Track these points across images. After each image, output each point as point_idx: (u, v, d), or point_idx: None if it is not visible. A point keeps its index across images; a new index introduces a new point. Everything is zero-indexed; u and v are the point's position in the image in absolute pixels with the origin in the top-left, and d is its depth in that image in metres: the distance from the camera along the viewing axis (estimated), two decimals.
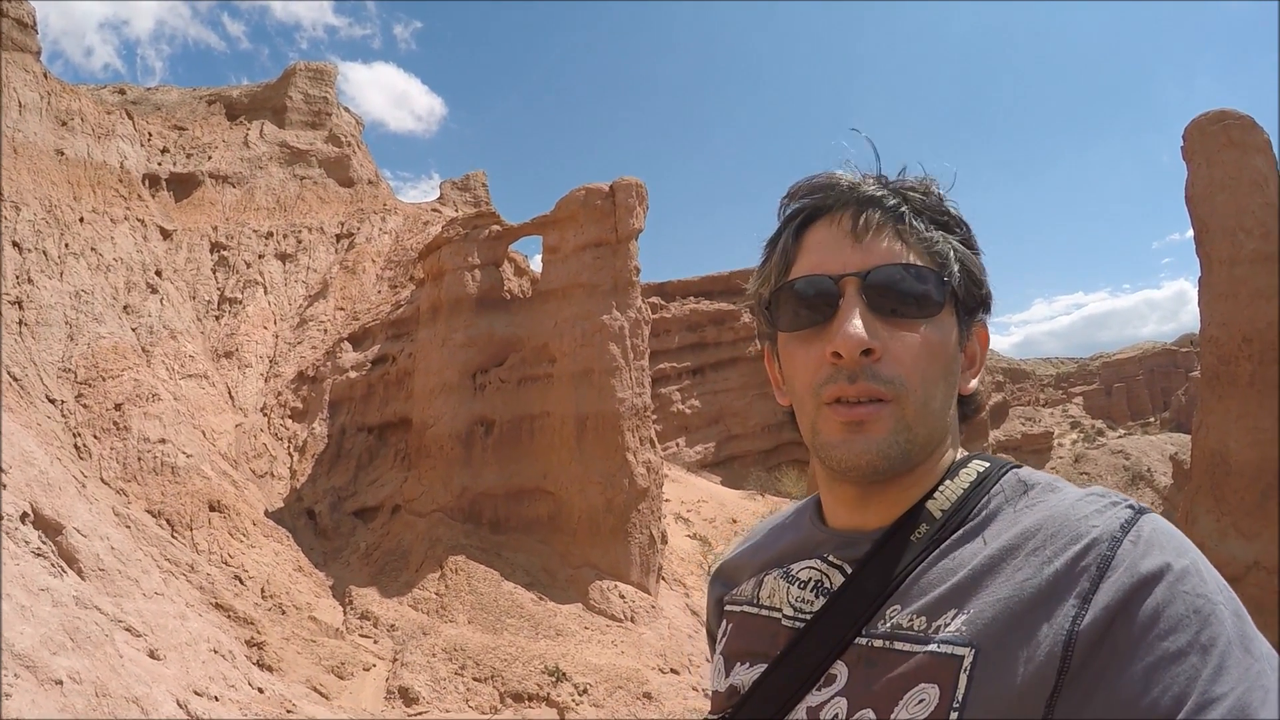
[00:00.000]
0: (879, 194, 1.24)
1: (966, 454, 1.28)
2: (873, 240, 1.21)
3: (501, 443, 28.44)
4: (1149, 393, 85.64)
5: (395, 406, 31.03)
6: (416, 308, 32.10)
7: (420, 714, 17.44)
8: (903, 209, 1.23)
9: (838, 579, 1.23)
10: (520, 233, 31.36)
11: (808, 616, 1.23)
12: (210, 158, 41.70)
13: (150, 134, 41.03)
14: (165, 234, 32.80)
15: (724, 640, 1.39)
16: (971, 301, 1.26)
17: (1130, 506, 1.08)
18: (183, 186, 40.01)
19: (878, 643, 1.12)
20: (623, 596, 25.80)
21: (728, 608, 1.43)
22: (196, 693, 10.75)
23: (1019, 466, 1.24)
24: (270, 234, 38.69)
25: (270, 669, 14.79)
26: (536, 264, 37.54)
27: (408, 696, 17.91)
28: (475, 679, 19.62)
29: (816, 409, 1.20)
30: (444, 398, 28.62)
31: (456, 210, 46.57)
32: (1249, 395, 24.29)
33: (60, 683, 7.35)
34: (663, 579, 28.44)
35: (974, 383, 1.29)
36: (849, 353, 1.15)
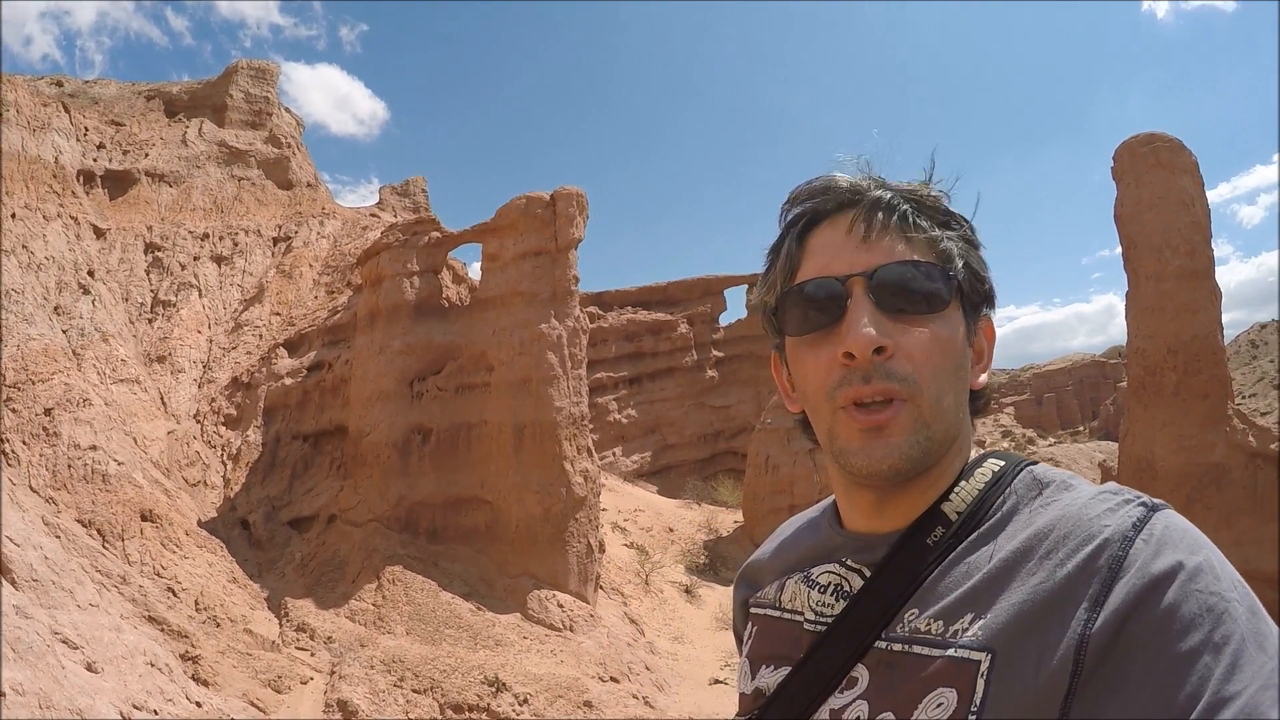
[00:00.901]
0: (881, 194, 1.26)
1: (982, 452, 1.29)
2: (877, 240, 1.22)
3: (439, 451, 28.19)
4: (1078, 402, 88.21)
5: (331, 414, 30.52)
6: (354, 314, 31.64)
7: None
8: (905, 208, 1.25)
9: (857, 583, 1.25)
10: (460, 240, 31.18)
11: (828, 620, 1.24)
12: (147, 155, 40.60)
13: (87, 128, 39.81)
14: (99, 233, 31.74)
15: (750, 643, 1.42)
16: (976, 297, 1.28)
17: (1143, 504, 1.08)
18: (118, 184, 38.99)
19: (897, 646, 1.14)
20: (561, 606, 25.74)
21: (753, 610, 1.45)
22: (136, 706, 10.50)
23: (1034, 464, 1.25)
24: (206, 235, 37.72)
25: (206, 683, 14.44)
26: (474, 272, 37.35)
27: (347, 709, 17.62)
28: (415, 690, 19.40)
29: (833, 414, 1.20)
30: (381, 406, 28.27)
31: (395, 216, 46.03)
32: (1174, 404, 25.37)
33: (3, 694, 7.13)
34: (600, 588, 28.43)
35: (983, 377, 1.30)
36: (861, 352, 1.15)
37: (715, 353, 56.42)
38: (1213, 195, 26.77)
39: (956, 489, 1.22)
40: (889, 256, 1.21)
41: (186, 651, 14.88)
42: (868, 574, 1.24)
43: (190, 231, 37.08)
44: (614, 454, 48.60)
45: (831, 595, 1.27)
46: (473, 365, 29.33)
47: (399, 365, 28.85)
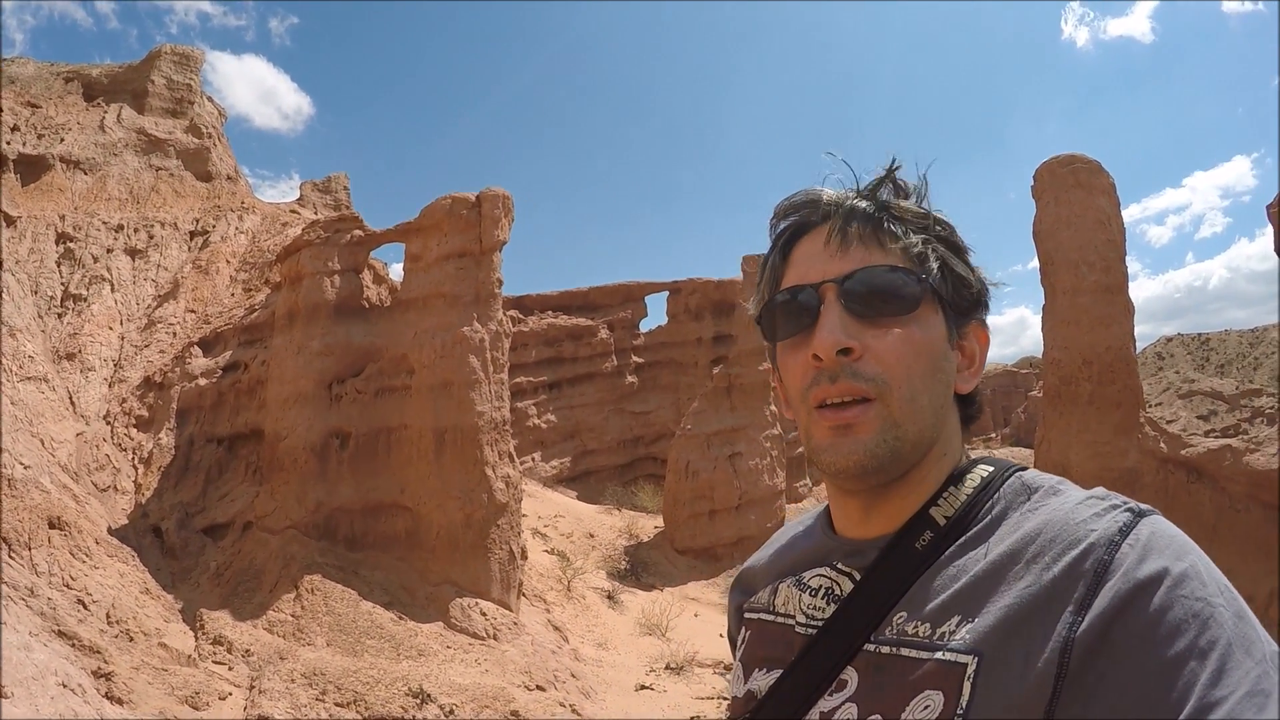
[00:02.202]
0: (858, 204, 1.30)
1: (971, 458, 1.32)
2: (851, 248, 1.27)
3: (358, 456, 27.55)
4: (991, 410, 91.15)
5: (247, 416, 29.49)
6: (272, 313, 30.65)
7: None
8: (880, 215, 1.29)
9: (847, 586, 1.28)
10: (383, 239, 30.54)
11: (819, 623, 1.28)
12: (63, 140, 38.57)
13: (1, 108, 37.51)
14: (9, 220, 29.97)
15: (743, 647, 1.45)
16: (962, 301, 1.31)
17: (1130, 510, 1.10)
18: (31, 169, 36.94)
19: (885, 649, 1.16)
20: (484, 614, 25.39)
21: (747, 615, 1.48)
22: None
23: (1024, 469, 1.28)
24: (121, 227, 35.88)
25: (121, 701, 13.70)
26: (395, 272, 36.60)
27: None
28: (337, 704, 18.81)
29: (808, 414, 1.26)
30: (298, 408, 27.48)
31: (316, 213, 44.81)
32: (1088, 412, 26.67)
33: None
34: (523, 595, 28.17)
35: (973, 383, 1.34)
36: (825, 353, 1.22)
37: (635, 359, 56.56)
38: (1124, 215, 28.25)
39: (945, 494, 1.25)
40: (861, 262, 1.26)
41: (99, 668, 14.10)
42: (858, 577, 1.27)
43: (104, 222, 35.29)
44: (533, 459, 48.27)
45: (822, 599, 1.31)
46: (393, 368, 28.78)
47: (317, 367, 28.10)
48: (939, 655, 1.08)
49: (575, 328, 54.35)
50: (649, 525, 42.83)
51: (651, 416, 54.82)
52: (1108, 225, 27.36)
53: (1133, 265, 28.07)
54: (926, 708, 1.06)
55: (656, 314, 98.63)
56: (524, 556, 28.58)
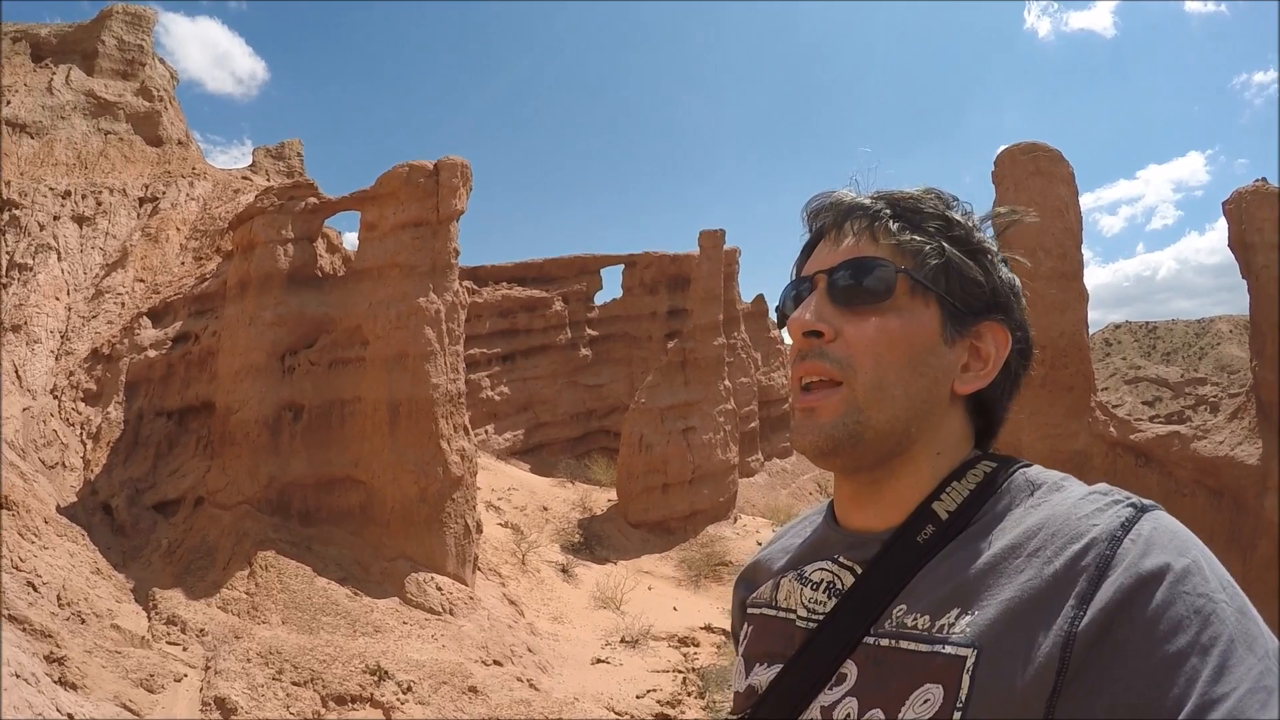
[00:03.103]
0: (860, 201, 1.35)
1: (977, 453, 1.32)
2: (846, 242, 1.33)
3: (311, 429, 27.20)
4: None
5: (197, 389, 28.88)
6: (223, 282, 29.96)
7: None
8: (879, 209, 1.33)
9: (848, 580, 1.29)
10: (338, 207, 29.97)
11: (820, 617, 1.29)
12: (9, 102, 37.26)
13: None
14: None
15: (745, 642, 1.46)
16: (970, 299, 1.30)
17: (1132, 505, 1.10)
18: None
19: (884, 642, 1.17)
20: (440, 589, 25.36)
21: (749, 610, 1.50)
22: None
23: (1028, 466, 1.28)
24: (68, 193, 34.60)
25: (75, 687, 13.46)
26: (349, 242, 35.96)
27: (225, 707, 16.79)
28: (294, 683, 18.70)
29: (794, 394, 1.32)
30: (250, 380, 27.01)
31: (269, 179, 43.83)
32: (1040, 395, 27.30)
33: None
34: (478, 569, 28.14)
35: (977, 384, 1.30)
36: (794, 334, 1.30)
37: (590, 331, 56.47)
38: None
39: (948, 489, 1.25)
40: (850, 254, 1.31)
41: (51, 653, 13.81)
42: (859, 571, 1.28)
43: (51, 188, 34.01)
44: (486, 431, 48.09)
45: (823, 592, 1.31)
46: (347, 339, 28.37)
47: (270, 338, 27.60)
48: (939, 648, 1.09)
49: (529, 299, 54.04)
50: (602, 498, 42.99)
51: (605, 390, 54.85)
52: (1065, 214, 27.88)
53: (1084, 253, 28.73)
54: (926, 701, 1.07)
55: (611, 287, 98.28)
56: (479, 530, 28.51)
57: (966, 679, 1.04)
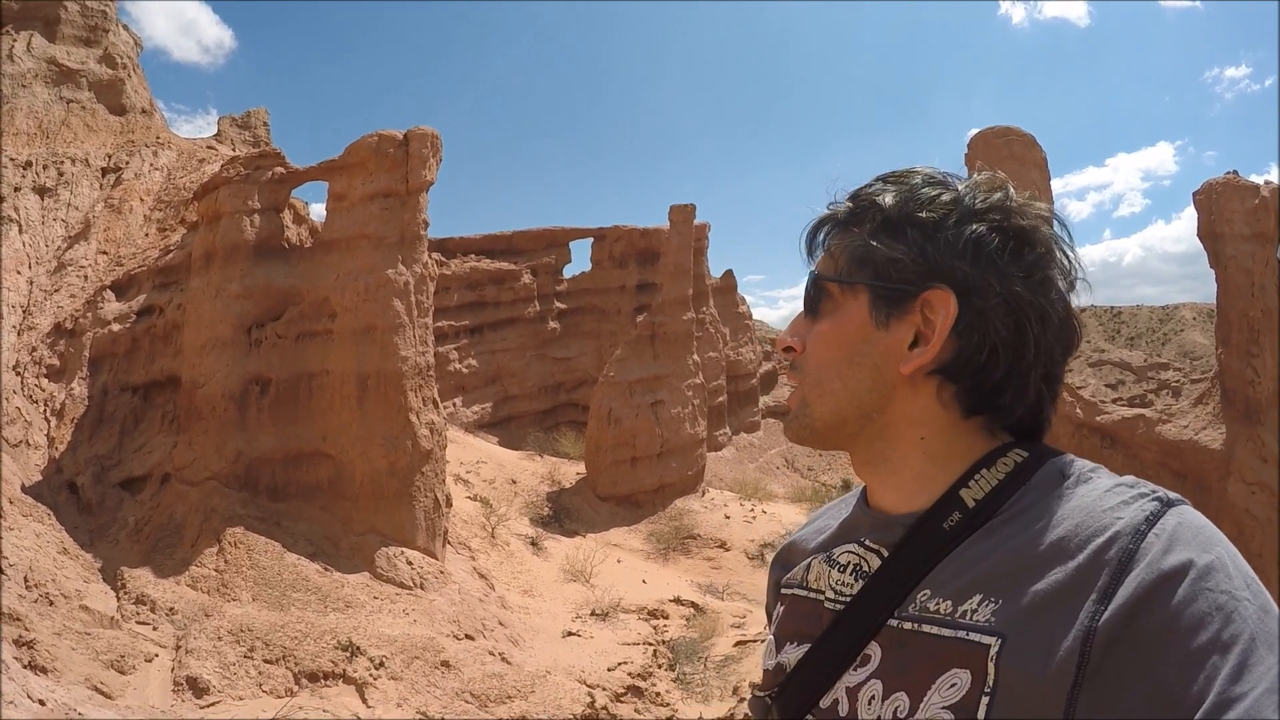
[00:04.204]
0: (812, 226, 1.43)
1: (1008, 441, 1.30)
2: (813, 256, 1.44)
3: (279, 403, 26.98)
4: None
5: (163, 363, 28.43)
6: (188, 254, 29.45)
7: (213, 704, 16.34)
8: (821, 228, 1.42)
9: (875, 563, 1.31)
10: (306, 177, 29.54)
11: (846, 599, 1.31)
12: None
13: None
14: None
15: (777, 621, 1.50)
16: (904, 276, 1.28)
17: (1158, 499, 1.09)
18: None
19: (908, 625, 1.19)
20: (410, 563, 25.37)
21: (783, 591, 1.53)
22: None
23: (1060, 455, 1.26)
24: (29, 164, 33.65)
25: (45, 670, 13.32)
26: (316, 212, 35.43)
27: (197, 687, 16.73)
28: (266, 661, 18.66)
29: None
30: (216, 354, 26.69)
31: (235, 149, 42.89)
32: None
33: None
34: (448, 543, 28.15)
35: (919, 360, 1.26)
36: (778, 350, 1.43)
37: (558, 304, 56.33)
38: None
39: (976, 476, 1.25)
40: (808, 276, 1.42)
41: (20, 636, 13.64)
42: (885, 554, 1.30)
43: (11, 159, 33.01)
44: (454, 404, 47.93)
45: (850, 575, 1.34)
46: (314, 311, 28.10)
47: (236, 310, 27.27)
48: (961, 634, 1.10)
49: (498, 272, 53.72)
50: (571, 472, 43.08)
51: (574, 363, 54.80)
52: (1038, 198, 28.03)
53: None
54: (953, 686, 1.08)
55: (581, 260, 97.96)
56: (449, 504, 28.51)
57: (992, 666, 1.04)
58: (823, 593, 1.37)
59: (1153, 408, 25.53)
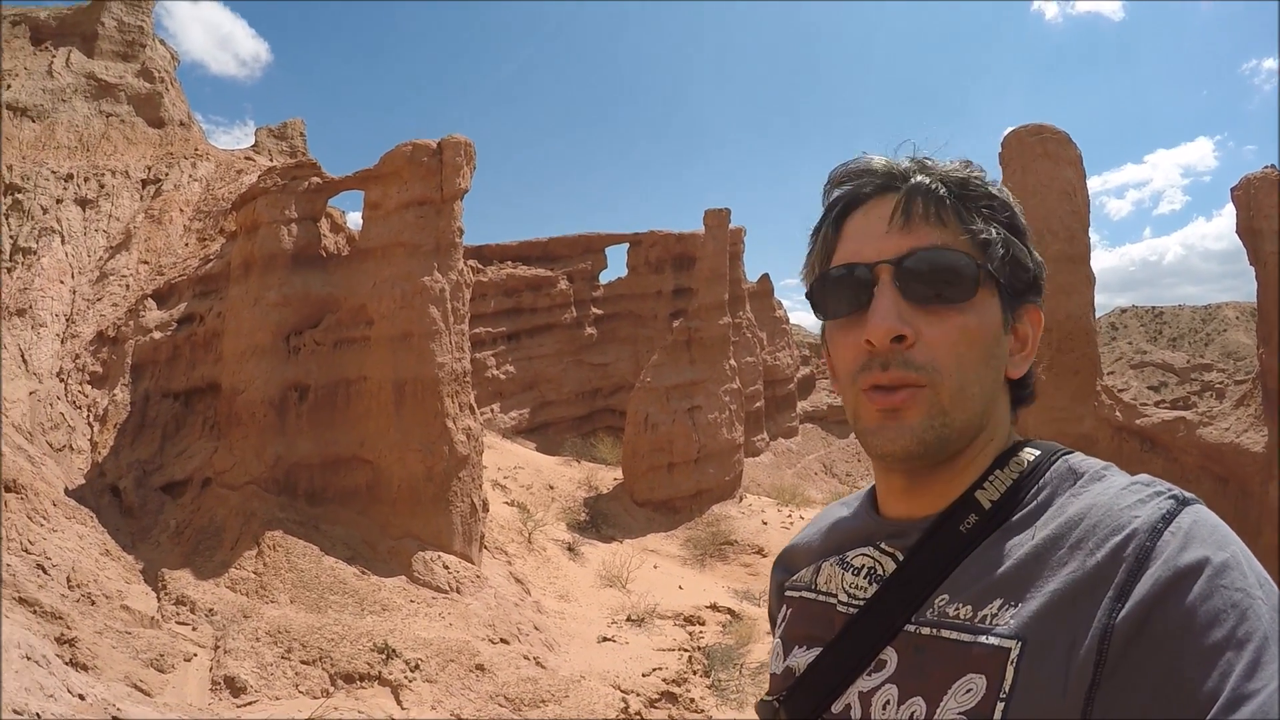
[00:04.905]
0: (921, 180, 1.27)
1: (1018, 439, 1.32)
2: (910, 227, 1.24)
3: (317, 409, 27.26)
4: None
5: (203, 370, 28.92)
6: (227, 263, 29.96)
7: (250, 703, 16.56)
8: (942, 193, 1.26)
9: (890, 566, 1.28)
10: (342, 186, 29.89)
11: (861, 603, 1.28)
12: (9, 86, 36.95)
13: None
14: None
15: (783, 624, 1.46)
16: (1019, 285, 1.28)
17: (1173, 497, 1.10)
18: None
19: (925, 630, 1.17)
20: (446, 567, 25.48)
21: (788, 593, 1.49)
22: (16, 711, 9.75)
23: (1070, 453, 1.27)
24: (71, 176, 34.45)
25: (85, 668, 13.57)
26: (353, 221, 35.87)
27: (234, 686, 16.96)
28: (303, 661, 18.85)
29: (855, 396, 1.26)
30: (256, 361, 27.04)
31: (272, 159, 43.59)
32: (1046, 378, 27.24)
33: None
34: (485, 548, 28.27)
35: (1025, 367, 1.32)
36: (879, 340, 1.20)
37: (595, 310, 56.46)
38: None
39: (990, 477, 1.24)
40: (918, 244, 1.23)
41: (62, 634, 13.92)
42: (900, 558, 1.27)
43: (53, 171, 33.88)
44: (492, 410, 48.20)
45: (864, 578, 1.31)
46: (352, 319, 28.38)
47: (275, 318, 27.61)
48: (981, 639, 1.09)
49: (534, 278, 53.99)
50: (608, 477, 43.10)
51: (610, 368, 54.89)
52: (1073, 197, 27.63)
53: (1091, 237, 28.41)
54: (969, 691, 1.07)
55: (616, 266, 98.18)
56: (485, 509, 28.63)
57: (1010, 670, 1.04)
58: (835, 596, 1.35)
59: (1194, 410, 24.90)
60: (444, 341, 28.10)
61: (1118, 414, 25.66)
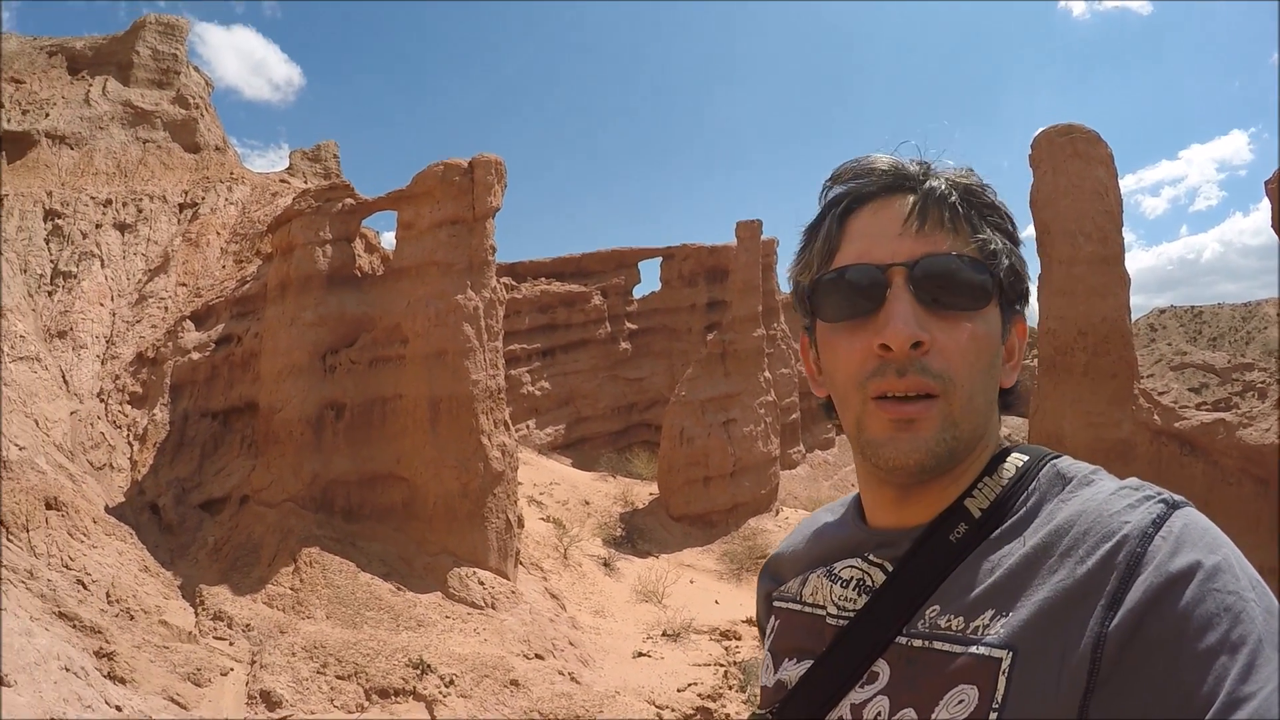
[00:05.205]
0: (934, 184, 1.25)
1: (1005, 445, 1.30)
2: (922, 230, 1.22)
3: (353, 427, 27.51)
4: None
5: (241, 390, 29.37)
6: (263, 284, 30.44)
7: (285, 717, 16.70)
8: (953, 199, 1.24)
9: (879, 578, 1.26)
10: (375, 207, 30.26)
11: (851, 615, 1.26)
12: (48, 115, 38.01)
13: None
14: None
15: (772, 636, 1.44)
16: (1014, 295, 1.28)
17: (1163, 500, 1.08)
18: (16, 146, 36.45)
19: (917, 642, 1.15)
20: (482, 583, 25.53)
21: (775, 604, 1.47)
22: None
23: (1058, 457, 1.25)
24: (109, 201, 35.39)
25: (124, 681, 13.78)
26: (387, 241, 36.32)
27: (270, 700, 17.12)
28: (338, 677, 18.98)
29: (862, 404, 1.21)
30: (292, 380, 27.37)
31: (306, 181, 44.34)
32: (1083, 383, 26.61)
33: None
34: (520, 563, 28.30)
35: (1014, 376, 1.30)
36: (899, 345, 1.16)
37: (629, 325, 56.51)
38: (1119, 186, 27.99)
39: (980, 485, 1.22)
40: (933, 248, 1.20)
41: (101, 648, 14.16)
42: (890, 569, 1.25)
43: (92, 197, 34.81)
44: (528, 427, 48.34)
45: (854, 590, 1.29)
46: (387, 337, 28.66)
47: (311, 338, 27.95)
48: (973, 649, 1.07)
49: (568, 294, 54.20)
50: (644, 492, 43.01)
51: (645, 383, 54.88)
52: (1105, 196, 27.13)
53: (1127, 236, 27.85)
54: (960, 702, 1.05)
55: (650, 280, 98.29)
56: (520, 525, 28.69)
57: (1002, 680, 1.03)
58: (823, 608, 1.33)
59: (1234, 411, 24.25)
60: (478, 359, 28.23)
61: (1156, 417, 25.09)
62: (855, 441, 1.25)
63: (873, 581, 1.27)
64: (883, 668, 1.18)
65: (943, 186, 1.25)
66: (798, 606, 1.40)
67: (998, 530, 1.17)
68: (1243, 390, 25.48)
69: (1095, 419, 25.90)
